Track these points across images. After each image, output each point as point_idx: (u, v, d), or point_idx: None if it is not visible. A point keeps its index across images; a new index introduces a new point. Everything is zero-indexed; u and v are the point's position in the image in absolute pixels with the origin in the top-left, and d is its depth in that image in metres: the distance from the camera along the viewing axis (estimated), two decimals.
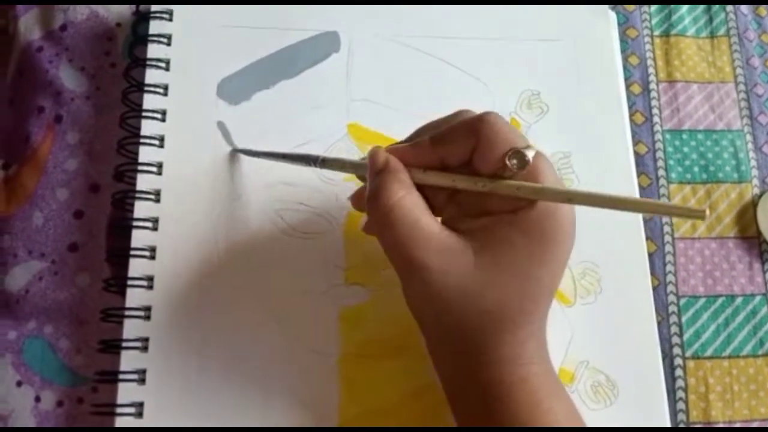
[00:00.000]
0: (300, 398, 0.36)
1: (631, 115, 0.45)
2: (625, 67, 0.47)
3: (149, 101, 0.40)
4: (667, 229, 0.43)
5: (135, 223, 0.37)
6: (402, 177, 0.30)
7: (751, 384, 0.41)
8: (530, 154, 0.28)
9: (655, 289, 0.41)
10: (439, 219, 0.31)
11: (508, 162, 0.28)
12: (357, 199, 0.35)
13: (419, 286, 0.29)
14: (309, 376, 0.36)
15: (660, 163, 0.45)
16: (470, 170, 0.30)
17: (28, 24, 0.43)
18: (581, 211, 0.41)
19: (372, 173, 0.31)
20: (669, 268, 0.42)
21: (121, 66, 0.42)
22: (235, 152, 0.40)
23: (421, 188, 0.31)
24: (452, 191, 0.31)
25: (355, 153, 0.40)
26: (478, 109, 0.42)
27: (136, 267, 0.37)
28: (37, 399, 0.36)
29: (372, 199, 0.30)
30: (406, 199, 0.29)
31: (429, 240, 0.29)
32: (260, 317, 0.37)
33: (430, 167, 0.31)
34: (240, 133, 0.40)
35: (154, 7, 0.42)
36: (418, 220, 0.29)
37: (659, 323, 0.41)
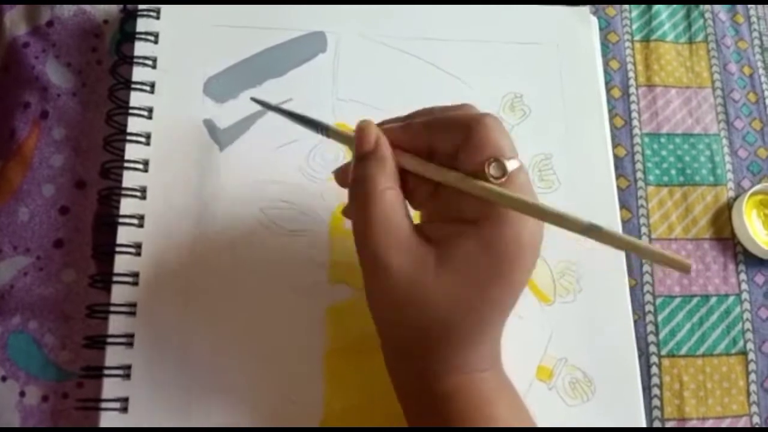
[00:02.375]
0: (285, 394, 0.36)
1: (611, 119, 0.46)
2: (605, 71, 0.48)
3: (136, 98, 0.40)
4: (644, 230, 0.44)
5: (121, 220, 0.38)
6: (388, 167, 0.30)
7: (724, 381, 0.42)
8: (511, 166, 0.28)
9: (632, 288, 0.42)
10: (414, 217, 0.31)
11: (487, 168, 0.28)
12: (342, 174, 0.34)
13: (379, 284, 0.29)
14: (294, 372, 0.37)
15: (638, 165, 0.46)
16: (453, 166, 0.29)
17: (15, 19, 0.43)
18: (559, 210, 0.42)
19: (358, 152, 0.30)
20: (646, 268, 0.43)
21: (108, 63, 0.42)
22: (254, 101, 0.38)
23: (405, 178, 0.30)
24: (435, 187, 0.30)
25: (341, 153, 0.41)
26: None
27: (122, 263, 0.37)
28: (22, 394, 0.36)
29: (355, 185, 0.30)
30: (387, 194, 0.29)
31: (398, 241, 0.29)
32: (245, 314, 0.37)
33: (416, 152, 0.30)
34: (226, 132, 0.40)
35: (142, 5, 0.42)
36: (392, 218, 0.29)
37: (636, 322, 0.42)
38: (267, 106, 0.36)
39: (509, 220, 0.28)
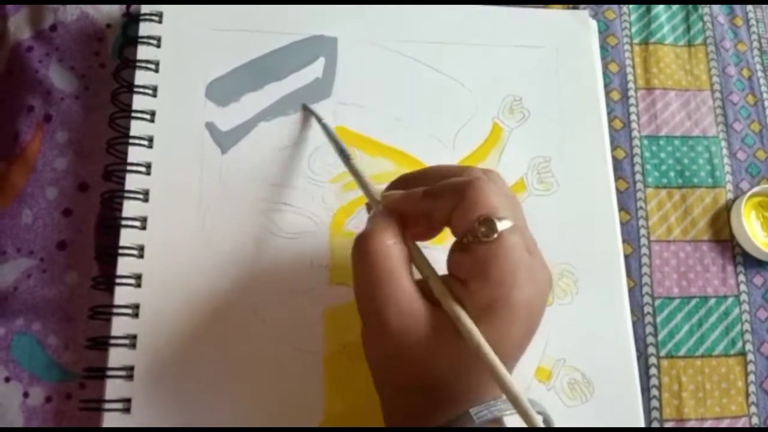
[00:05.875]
0: (285, 395, 0.37)
1: (610, 121, 0.47)
2: (605, 74, 0.48)
3: (138, 102, 0.40)
4: (643, 231, 0.44)
5: (123, 222, 0.38)
6: (395, 228, 0.30)
7: (722, 382, 0.42)
8: (502, 226, 0.28)
9: (630, 290, 0.43)
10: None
11: (476, 226, 0.28)
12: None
13: (376, 338, 0.30)
14: (294, 374, 0.37)
15: (637, 167, 0.46)
16: (451, 230, 0.30)
17: (18, 24, 0.43)
18: (559, 213, 0.42)
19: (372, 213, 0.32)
20: (645, 269, 0.44)
21: (111, 66, 0.42)
22: (306, 110, 0.42)
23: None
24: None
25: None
26: (461, 113, 0.44)
27: (125, 265, 0.37)
28: (26, 395, 0.37)
29: (361, 238, 0.30)
30: (393, 249, 0.29)
31: (397, 298, 0.29)
32: (246, 315, 0.38)
33: (417, 219, 0.31)
34: (228, 135, 0.41)
35: (144, 9, 0.42)
36: (393, 273, 0.29)
37: (634, 323, 0.42)
38: (316, 117, 0.41)
39: (498, 282, 0.28)
